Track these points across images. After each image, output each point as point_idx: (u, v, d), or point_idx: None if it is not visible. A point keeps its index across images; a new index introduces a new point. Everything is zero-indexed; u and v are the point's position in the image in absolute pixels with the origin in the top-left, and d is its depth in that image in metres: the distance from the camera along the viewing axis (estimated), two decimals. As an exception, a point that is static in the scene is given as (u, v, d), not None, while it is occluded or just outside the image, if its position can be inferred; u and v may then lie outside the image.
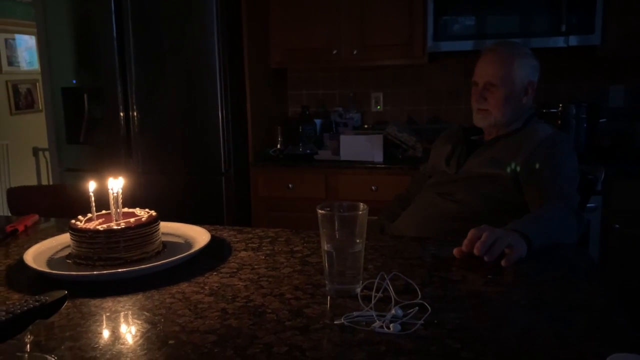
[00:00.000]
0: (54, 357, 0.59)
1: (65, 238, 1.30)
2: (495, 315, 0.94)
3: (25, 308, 0.75)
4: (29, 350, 0.74)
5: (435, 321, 0.91)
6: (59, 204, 2.11)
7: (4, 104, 4.80)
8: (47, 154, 4.17)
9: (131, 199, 1.85)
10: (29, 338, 0.75)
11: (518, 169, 1.60)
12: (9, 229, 1.49)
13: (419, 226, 1.70)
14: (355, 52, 2.99)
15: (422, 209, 1.75)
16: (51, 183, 3.76)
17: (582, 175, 1.66)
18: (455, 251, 1.22)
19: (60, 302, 0.81)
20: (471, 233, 1.18)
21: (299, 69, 3.41)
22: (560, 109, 2.73)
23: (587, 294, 1.04)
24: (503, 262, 1.16)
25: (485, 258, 1.15)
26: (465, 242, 1.18)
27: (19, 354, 0.62)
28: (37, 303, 0.77)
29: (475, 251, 1.16)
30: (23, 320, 0.74)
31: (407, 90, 3.30)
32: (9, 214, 2.09)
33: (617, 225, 2.51)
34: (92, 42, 2.89)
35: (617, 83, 2.97)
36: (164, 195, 2.84)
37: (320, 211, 1.02)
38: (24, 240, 1.45)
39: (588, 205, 1.91)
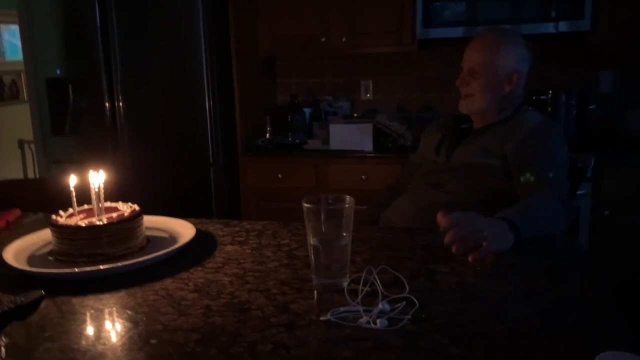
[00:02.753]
0: (26, 363, 0.57)
1: (47, 234, 1.27)
2: (484, 309, 0.93)
3: (0, 310, 0.72)
4: (4, 354, 0.71)
5: (423, 315, 0.89)
6: (43, 198, 2.07)
7: (-12, 95, 4.72)
8: (32, 146, 4.11)
9: (118, 191, 1.82)
10: (3, 341, 0.72)
11: (508, 157, 1.59)
12: (-10, 224, 1.46)
13: (409, 217, 1.68)
14: (344, 40, 2.95)
15: (412, 200, 1.74)
16: (38, 176, 3.71)
17: (572, 163, 1.65)
18: (438, 216, 1.17)
19: (37, 302, 0.79)
20: (454, 217, 1.13)
21: (287, 57, 3.37)
22: (550, 96, 2.71)
23: (577, 286, 1.03)
24: (470, 258, 1.11)
25: (453, 249, 1.12)
26: (443, 223, 1.13)
27: (-10, 359, 0.59)
28: (12, 305, 0.74)
29: (447, 238, 1.11)
30: (-3, 322, 0.72)
31: (397, 78, 3.27)
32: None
33: (607, 212, 2.51)
34: (76, 31, 2.84)
35: (607, 69, 2.96)
36: (152, 187, 2.81)
37: (305, 205, 1.00)
38: (5, 236, 1.41)
39: (578, 192, 1.90)
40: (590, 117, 2.83)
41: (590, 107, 2.82)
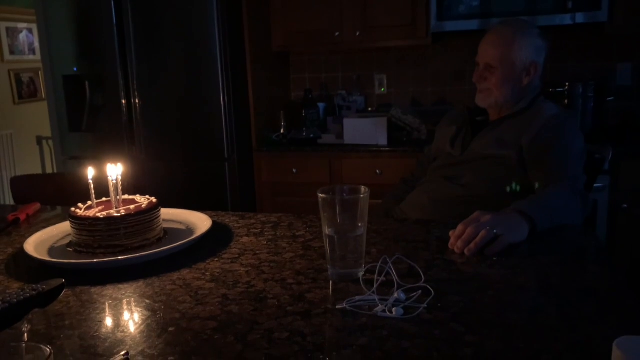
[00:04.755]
0: (49, 348, 0.58)
1: (66, 226, 1.29)
2: (500, 299, 0.92)
3: (22, 297, 0.74)
4: (26, 339, 0.73)
5: (439, 305, 0.89)
6: (62, 192, 2.10)
7: (7, 93, 4.79)
8: (50, 142, 4.17)
9: (134, 187, 1.84)
10: (26, 327, 0.74)
11: (523, 149, 1.58)
12: (10, 217, 1.49)
13: (423, 208, 1.68)
14: (358, 34, 2.95)
15: (427, 193, 1.73)
16: (55, 172, 3.76)
17: (589, 154, 1.64)
18: (450, 233, 1.19)
19: (57, 290, 0.80)
20: (458, 229, 1.16)
21: (301, 52, 3.37)
22: (566, 87, 2.68)
23: (594, 276, 1.02)
24: (486, 252, 1.12)
25: (465, 252, 1.12)
26: (452, 240, 1.16)
27: (13, 344, 0.61)
28: (34, 292, 0.76)
29: (456, 250, 1.13)
30: (20, 309, 0.73)
31: (411, 71, 3.26)
32: (14, 203, 2.09)
33: (625, 205, 2.48)
34: (92, 28, 2.87)
35: (625, 60, 2.92)
36: (168, 183, 2.83)
37: (321, 195, 1.01)
38: (26, 229, 1.44)
39: (595, 185, 1.88)
40: (608, 108, 2.80)
41: (608, 99, 2.78)
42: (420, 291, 0.93)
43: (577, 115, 2.63)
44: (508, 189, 1.58)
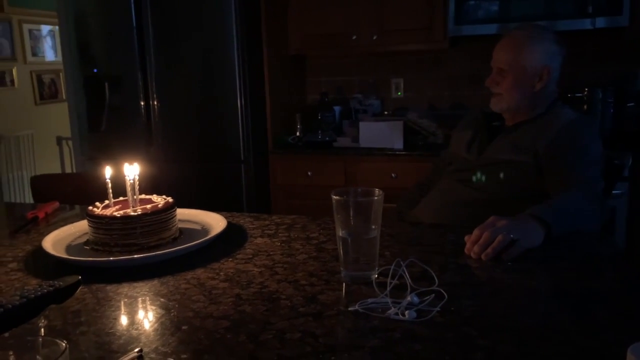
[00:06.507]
0: (64, 342, 0.59)
1: (84, 225, 1.31)
2: (513, 303, 0.92)
3: (39, 293, 0.75)
4: (42, 334, 0.74)
5: (452, 308, 0.89)
6: (81, 192, 2.13)
7: (28, 94, 4.87)
8: (70, 143, 4.23)
9: (151, 187, 1.86)
10: (42, 322, 0.75)
11: (539, 154, 1.56)
12: (30, 215, 1.51)
13: (438, 213, 1.67)
14: (374, 37, 2.95)
15: (441, 196, 1.73)
16: (75, 172, 3.81)
17: (608, 160, 1.62)
18: (466, 238, 1.19)
19: (74, 287, 0.81)
20: (474, 234, 1.15)
21: (317, 55, 3.38)
22: (585, 93, 2.65)
23: (609, 281, 1.01)
24: (503, 256, 1.11)
25: (482, 257, 1.11)
26: (468, 245, 1.15)
27: (30, 338, 0.62)
28: (51, 288, 0.77)
29: (473, 255, 1.12)
30: (37, 305, 0.75)
31: (427, 75, 3.25)
32: (33, 202, 2.12)
33: (645, 213, 2.44)
34: (112, 30, 2.91)
35: (646, 66, 2.88)
36: (184, 183, 2.86)
37: (335, 197, 1.01)
38: (44, 227, 1.47)
39: (614, 191, 1.86)
40: (627, 114, 2.76)
41: (628, 104, 2.74)
42: (433, 294, 0.93)
43: (596, 120, 2.60)
44: (523, 193, 1.57)
